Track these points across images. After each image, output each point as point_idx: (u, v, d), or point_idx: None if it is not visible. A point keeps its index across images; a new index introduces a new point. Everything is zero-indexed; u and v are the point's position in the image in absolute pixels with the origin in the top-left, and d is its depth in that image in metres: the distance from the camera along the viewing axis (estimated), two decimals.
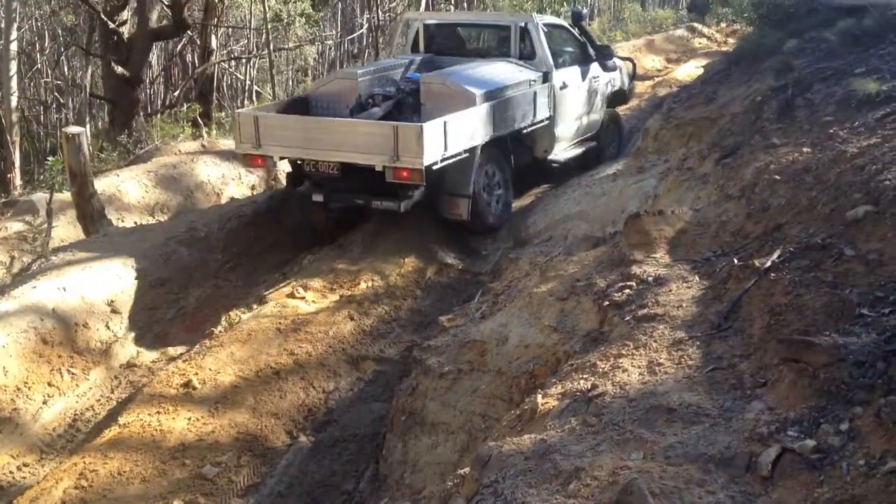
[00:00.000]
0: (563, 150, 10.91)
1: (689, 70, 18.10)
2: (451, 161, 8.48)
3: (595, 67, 11.44)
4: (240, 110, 10.68)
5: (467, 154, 8.73)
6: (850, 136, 5.50)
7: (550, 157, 10.58)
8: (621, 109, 13.08)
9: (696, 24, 26.29)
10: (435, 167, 8.25)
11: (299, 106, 9.74)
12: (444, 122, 8.27)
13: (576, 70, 11.01)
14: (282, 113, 9.39)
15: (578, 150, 11.19)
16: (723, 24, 26.59)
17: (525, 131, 9.90)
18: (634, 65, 13.37)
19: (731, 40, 22.36)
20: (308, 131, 8.67)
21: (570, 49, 11.24)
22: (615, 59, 12.10)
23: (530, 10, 19.12)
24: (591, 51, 11.45)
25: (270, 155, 8.98)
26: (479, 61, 10.30)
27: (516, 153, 9.96)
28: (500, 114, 9.20)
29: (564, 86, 10.59)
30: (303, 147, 8.68)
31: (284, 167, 10.06)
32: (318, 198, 8.93)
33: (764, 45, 9.30)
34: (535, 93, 9.88)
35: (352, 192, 8.76)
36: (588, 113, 11.37)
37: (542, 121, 10.13)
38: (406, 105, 9.33)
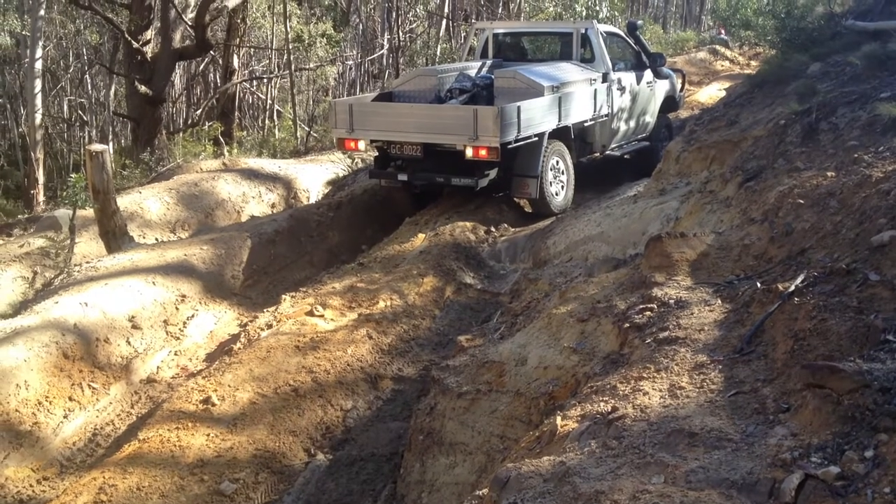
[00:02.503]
0: (619, 147, 11.94)
1: (712, 92, 18.10)
2: (522, 143, 9.53)
3: (648, 74, 12.29)
4: (335, 99, 12.16)
5: (536, 139, 9.77)
6: (875, 161, 5.46)
7: (608, 151, 11.65)
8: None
9: (718, 47, 26.29)
10: (509, 146, 9.30)
11: (384, 99, 10.96)
12: (518, 107, 9.32)
13: (631, 74, 11.87)
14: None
15: (633, 148, 12.24)
16: (745, 47, 26.59)
17: (586, 125, 10.98)
18: (684, 77, 14.29)
19: (753, 63, 22.36)
20: (396, 116, 9.89)
21: (626, 55, 12.10)
22: (667, 69, 12.96)
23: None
24: (645, 58, 12.26)
25: (362, 138, 10.13)
26: (545, 63, 11.44)
27: (578, 146, 11.03)
28: (564, 105, 10.23)
29: (621, 87, 11.50)
30: (391, 131, 9.86)
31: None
32: (403, 177, 10.07)
33: (787, 68, 9.28)
34: (595, 90, 10.92)
35: (433, 171, 9.87)
36: (642, 114, 12.28)
37: (601, 116, 11.17)
38: (481, 98, 10.44)
